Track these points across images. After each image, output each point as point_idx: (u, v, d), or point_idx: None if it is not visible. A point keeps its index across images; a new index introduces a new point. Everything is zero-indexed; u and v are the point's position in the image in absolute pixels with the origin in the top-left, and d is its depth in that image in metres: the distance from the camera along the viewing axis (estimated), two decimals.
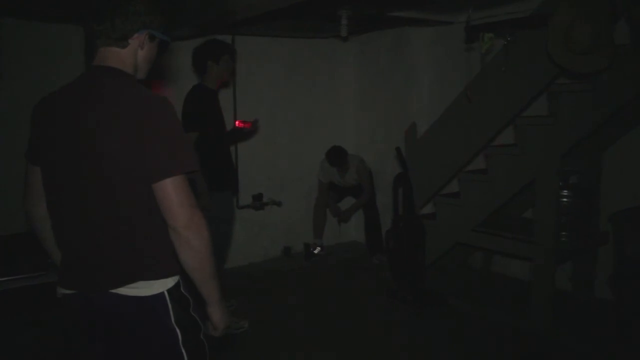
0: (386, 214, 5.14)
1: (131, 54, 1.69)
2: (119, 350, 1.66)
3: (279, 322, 4.06)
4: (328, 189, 5.52)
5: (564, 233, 3.90)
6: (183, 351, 1.65)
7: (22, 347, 3.03)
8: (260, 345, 3.70)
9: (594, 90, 3.46)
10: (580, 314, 3.97)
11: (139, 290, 1.59)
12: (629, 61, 3.32)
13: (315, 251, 5.53)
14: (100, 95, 1.57)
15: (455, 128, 4.27)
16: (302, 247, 5.63)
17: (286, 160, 5.67)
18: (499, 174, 4.00)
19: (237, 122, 3.96)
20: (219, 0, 3.25)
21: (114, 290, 1.59)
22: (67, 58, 4.21)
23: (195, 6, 3.45)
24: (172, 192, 1.53)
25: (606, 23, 3.08)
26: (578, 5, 3.07)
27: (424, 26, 4.99)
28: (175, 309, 1.63)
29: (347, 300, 4.49)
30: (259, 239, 5.50)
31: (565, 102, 3.63)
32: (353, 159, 5.33)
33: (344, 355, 3.58)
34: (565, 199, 3.90)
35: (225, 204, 3.81)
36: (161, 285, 1.62)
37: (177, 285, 1.66)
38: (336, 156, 5.25)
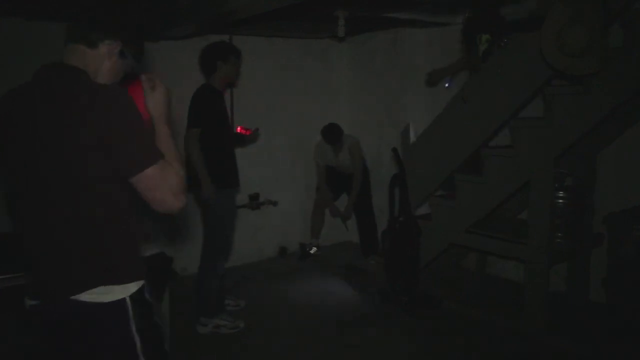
0: (382, 215, 5.14)
1: (96, 58, 1.66)
2: (78, 355, 1.62)
3: (274, 323, 4.07)
4: (326, 171, 5.49)
5: (558, 234, 3.91)
6: (140, 356, 1.61)
7: (17, 347, 3.03)
8: (256, 346, 3.71)
9: (588, 92, 3.48)
10: (574, 315, 3.99)
11: (99, 296, 1.55)
12: (623, 63, 3.33)
13: (311, 251, 5.53)
14: (59, 93, 1.53)
15: (450, 129, 4.28)
16: (298, 247, 5.63)
17: (282, 160, 5.67)
18: (494, 176, 4.01)
19: (238, 128, 4.02)
20: (219, 2, 3.25)
21: (74, 297, 1.54)
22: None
23: (193, 5, 3.45)
24: (155, 181, 1.53)
25: (600, 26, 3.10)
26: (572, 8, 3.08)
27: (420, 27, 5.00)
28: (136, 315, 1.59)
29: (342, 301, 4.49)
30: (254, 238, 5.50)
31: (560, 104, 3.64)
32: (347, 138, 5.31)
33: (338, 356, 3.59)
34: (559, 201, 3.91)
35: (228, 201, 3.85)
36: (123, 291, 1.57)
37: (140, 290, 1.62)
38: (330, 132, 5.25)
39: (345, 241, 6.04)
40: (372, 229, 5.39)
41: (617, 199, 3.96)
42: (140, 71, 1.77)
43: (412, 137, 4.70)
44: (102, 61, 1.67)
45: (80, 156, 1.48)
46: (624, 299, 3.66)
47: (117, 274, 1.58)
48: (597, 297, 4.07)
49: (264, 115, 5.40)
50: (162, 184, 1.54)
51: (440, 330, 3.90)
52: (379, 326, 4.03)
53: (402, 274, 4.33)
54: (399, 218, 4.37)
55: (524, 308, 3.79)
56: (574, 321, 3.89)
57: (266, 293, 4.65)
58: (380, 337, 3.85)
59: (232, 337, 3.79)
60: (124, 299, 1.57)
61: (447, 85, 4.65)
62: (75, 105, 1.48)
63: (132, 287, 1.60)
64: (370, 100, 5.71)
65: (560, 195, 3.92)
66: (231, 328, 3.84)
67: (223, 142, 3.80)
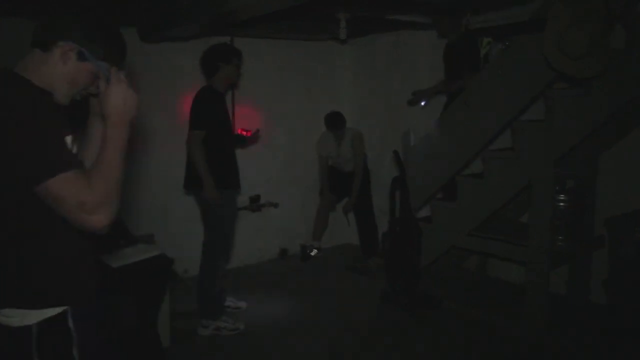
0: (382, 217, 5.14)
1: (50, 63, 1.49)
2: None
3: (275, 324, 4.06)
4: (327, 165, 5.49)
5: (559, 237, 3.90)
6: None
7: None
8: (257, 348, 3.71)
9: (589, 94, 3.48)
10: (575, 317, 3.98)
11: (7, 319, 1.42)
12: (624, 65, 3.33)
13: (312, 253, 5.53)
14: None
15: (452, 131, 4.28)
16: (299, 248, 5.63)
17: (283, 162, 5.67)
18: (495, 178, 4.01)
19: (238, 130, 4.04)
20: (219, 2, 3.26)
21: None
22: None
23: (193, 5, 3.46)
24: (57, 195, 1.33)
25: (601, 28, 3.10)
26: (574, 10, 3.09)
27: (421, 30, 5.00)
28: (42, 346, 1.43)
29: (342, 303, 4.49)
30: (255, 240, 5.49)
31: (561, 106, 3.64)
32: (350, 130, 5.33)
33: (339, 357, 3.59)
34: (561, 203, 3.91)
35: (229, 203, 3.85)
36: (34, 317, 1.42)
37: (58, 318, 1.46)
38: (333, 117, 5.27)
39: (345, 243, 6.03)
40: (373, 230, 5.39)
41: (618, 201, 3.96)
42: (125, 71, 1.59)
43: (413, 140, 4.70)
44: (55, 65, 1.49)
45: None
46: (624, 299, 3.65)
47: (29, 298, 1.44)
48: (598, 299, 4.06)
49: (265, 117, 5.41)
50: (66, 198, 1.33)
51: (440, 331, 3.90)
52: (380, 327, 4.03)
53: (402, 274, 4.33)
54: (399, 220, 4.36)
55: (525, 309, 3.79)
56: (574, 322, 3.89)
57: (267, 295, 4.65)
58: (380, 338, 3.85)
59: (233, 339, 3.79)
60: (30, 326, 1.42)
61: (422, 104, 4.78)
62: None
63: (49, 312, 1.44)
64: (372, 102, 5.71)
65: (561, 197, 3.91)
66: (232, 330, 3.84)
67: (224, 144, 3.80)
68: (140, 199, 4.56)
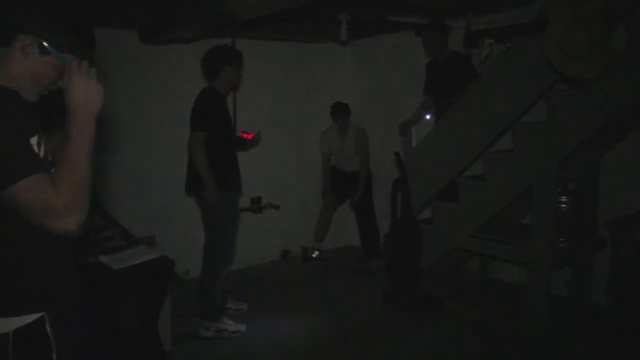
0: (383, 218, 5.13)
1: (10, 58, 1.41)
2: None
3: (276, 326, 4.06)
4: (330, 162, 5.50)
5: (561, 239, 3.90)
6: None
7: None
8: (257, 348, 3.70)
9: (591, 96, 3.47)
10: (576, 319, 3.97)
11: None
12: (626, 66, 3.33)
13: (314, 255, 5.52)
14: None
15: (453, 133, 4.27)
16: (300, 250, 5.62)
17: (284, 163, 5.67)
18: (496, 180, 4.00)
19: (239, 132, 4.03)
20: (219, 2, 3.26)
21: None
22: None
23: (195, 8, 3.46)
24: (23, 197, 1.28)
25: (603, 29, 3.09)
26: (575, 12, 3.08)
27: (422, 36, 4.99)
28: (20, 354, 1.38)
29: (343, 304, 4.48)
30: (256, 242, 5.49)
31: (563, 108, 3.63)
32: (354, 125, 5.35)
33: (339, 358, 3.58)
34: (562, 205, 3.90)
35: (231, 204, 3.86)
36: (10, 324, 1.37)
37: (34, 324, 1.40)
38: (339, 106, 5.30)
39: (347, 245, 6.03)
40: (374, 231, 5.38)
41: (620, 203, 3.95)
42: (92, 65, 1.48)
43: (414, 141, 4.69)
44: (16, 60, 1.41)
45: None
46: (626, 303, 3.64)
47: (3, 305, 1.38)
48: (599, 300, 4.05)
49: (266, 119, 5.41)
50: (30, 203, 1.29)
51: (441, 333, 3.89)
52: (381, 328, 4.02)
53: (403, 275, 4.32)
54: (401, 221, 4.36)
55: (527, 311, 3.78)
56: (575, 324, 3.88)
57: (268, 297, 4.64)
58: (381, 338, 3.84)
59: (233, 341, 3.78)
60: (7, 334, 1.36)
61: (428, 117, 4.87)
62: None
63: (23, 320, 1.39)
64: (373, 104, 5.70)
65: (563, 199, 3.91)
66: (233, 332, 3.84)
67: (225, 146, 3.80)
68: (141, 200, 4.57)
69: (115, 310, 2.88)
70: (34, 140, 1.35)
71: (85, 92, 1.40)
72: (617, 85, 3.37)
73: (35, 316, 1.40)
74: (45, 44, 1.41)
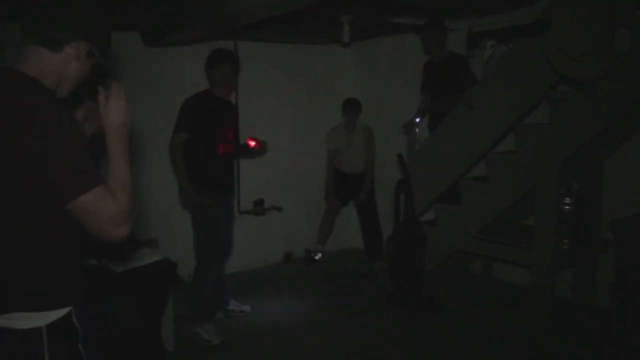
0: (387, 221, 5.12)
1: (61, 62, 1.49)
2: None
3: (278, 327, 4.05)
4: (335, 158, 5.49)
5: (564, 241, 3.89)
6: None
7: None
8: (259, 350, 3.70)
9: (594, 97, 3.46)
10: (580, 321, 3.95)
11: (13, 322, 1.43)
12: (629, 67, 3.32)
13: (316, 257, 5.52)
14: (10, 109, 1.36)
15: (456, 135, 4.27)
16: (303, 252, 5.62)
17: (287, 166, 5.67)
18: (499, 181, 4.00)
19: (247, 140, 3.96)
20: (220, 5, 3.26)
21: None
22: None
23: (197, 11, 3.46)
24: (89, 209, 1.37)
25: (605, 30, 3.09)
26: (577, 13, 3.08)
27: (421, 35, 4.99)
28: (52, 345, 1.46)
29: (346, 307, 4.47)
30: (259, 244, 5.49)
31: (566, 109, 3.63)
32: (361, 124, 5.39)
33: (342, 359, 3.58)
34: (566, 207, 3.89)
35: (215, 210, 3.77)
36: (41, 319, 1.45)
37: (63, 318, 1.49)
38: (351, 101, 5.35)
39: (350, 247, 6.02)
40: (377, 233, 5.38)
41: (624, 204, 3.93)
42: (108, 72, 1.63)
43: (417, 143, 4.69)
44: (67, 64, 1.50)
45: (5, 176, 1.37)
46: (630, 305, 3.63)
47: (36, 302, 1.46)
48: (603, 302, 4.04)
49: (269, 121, 5.41)
50: (98, 212, 1.38)
51: (445, 335, 3.88)
52: (383, 330, 4.01)
53: (406, 277, 4.31)
54: (404, 224, 4.35)
55: (530, 313, 3.77)
56: (578, 326, 3.86)
57: (271, 298, 4.64)
58: (384, 341, 3.84)
59: (236, 342, 3.78)
60: (40, 328, 1.45)
61: (417, 120, 4.86)
62: (7, 122, 1.34)
63: (52, 315, 1.47)
64: (376, 106, 5.69)
65: (566, 200, 3.90)
66: (206, 341, 3.73)
67: (212, 149, 3.73)
68: (144, 202, 4.57)
69: (118, 312, 2.89)
70: (83, 140, 1.46)
71: (123, 115, 1.52)
72: (619, 86, 3.37)
73: (65, 310, 1.49)
74: (94, 50, 1.53)
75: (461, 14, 4.38)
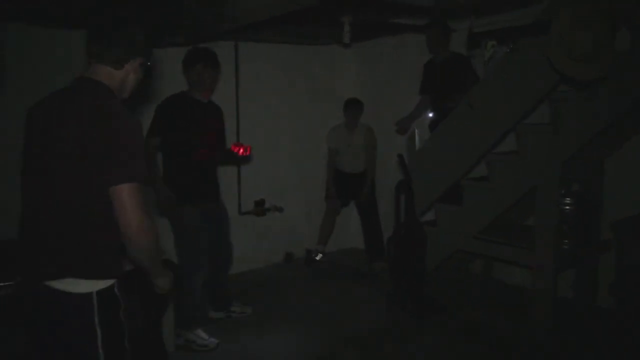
0: (387, 221, 5.13)
1: (122, 76, 1.84)
2: (45, 338, 1.79)
3: (279, 328, 4.06)
4: (336, 157, 5.49)
5: (565, 241, 3.88)
6: (101, 352, 1.73)
7: (7, 355, 3.02)
8: (259, 351, 3.70)
9: (594, 97, 3.46)
10: (580, 321, 3.95)
11: (68, 286, 1.70)
12: (629, 68, 3.31)
13: (317, 257, 5.52)
14: (90, 106, 1.71)
15: (457, 135, 4.27)
16: (304, 253, 5.62)
17: (288, 166, 5.67)
18: (500, 182, 3.99)
19: (232, 146, 3.78)
20: (220, 5, 3.26)
21: (47, 283, 1.71)
22: (70, 64, 4.22)
23: (197, 11, 3.46)
24: (126, 198, 1.66)
25: (606, 30, 3.08)
26: (578, 13, 3.07)
27: (424, 34, 4.99)
28: (101, 309, 1.72)
29: (347, 307, 4.48)
30: (260, 244, 5.49)
31: (566, 109, 3.63)
32: (362, 124, 5.42)
33: None
34: (566, 207, 3.89)
35: (189, 218, 3.64)
36: (90, 286, 1.71)
37: (110, 287, 1.75)
38: (353, 101, 5.38)
39: (351, 247, 6.02)
40: (378, 233, 5.38)
41: (625, 204, 3.93)
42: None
43: (418, 143, 4.69)
44: (127, 76, 1.86)
45: (81, 161, 1.66)
46: (631, 305, 3.63)
47: (88, 270, 1.72)
48: (604, 303, 4.03)
49: (270, 121, 5.42)
50: (132, 202, 1.66)
51: (445, 335, 3.87)
52: (384, 330, 4.01)
53: (407, 278, 4.31)
54: (404, 224, 4.35)
55: (531, 313, 3.76)
56: (580, 327, 3.86)
57: (272, 299, 4.64)
58: (384, 340, 3.83)
59: (236, 344, 3.78)
60: (91, 293, 1.71)
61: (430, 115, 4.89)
62: (82, 118, 1.68)
63: (101, 284, 1.73)
64: (376, 106, 5.69)
65: (567, 201, 3.89)
66: (200, 345, 3.67)
67: (185, 155, 3.62)
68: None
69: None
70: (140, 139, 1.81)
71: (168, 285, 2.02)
72: (620, 87, 3.36)
73: (111, 281, 1.76)
74: (148, 64, 1.92)
75: (462, 14, 4.38)
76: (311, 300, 4.63)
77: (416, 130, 4.78)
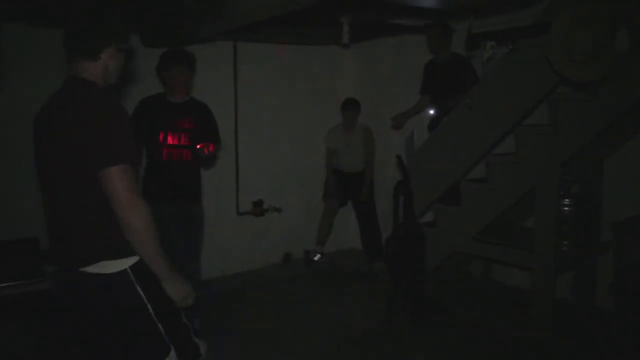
0: (386, 222, 5.12)
1: (101, 66, 1.90)
2: (90, 323, 1.91)
3: (278, 328, 4.05)
4: (334, 157, 5.50)
5: (564, 242, 3.88)
6: (155, 319, 1.86)
7: (16, 355, 3.02)
8: (259, 352, 3.70)
9: (594, 98, 3.46)
10: (581, 323, 3.95)
11: (103, 268, 1.81)
12: (629, 69, 3.32)
13: (315, 258, 5.52)
14: (74, 102, 1.81)
15: (456, 136, 4.27)
16: (303, 253, 5.62)
17: (286, 166, 5.66)
18: (499, 183, 3.99)
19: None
20: (220, 5, 3.26)
21: (82, 269, 1.81)
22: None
23: (197, 11, 3.46)
24: (115, 180, 1.72)
25: (606, 31, 3.08)
26: (578, 14, 3.07)
27: (425, 33, 4.99)
28: (139, 280, 1.84)
29: (346, 308, 4.47)
30: (259, 245, 5.49)
31: (565, 110, 3.63)
32: (360, 124, 5.43)
33: None
34: (566, 208, 3.89)
35: (159, 217, 3.58)
36: (122, 264, 1.83)
37: (138, 262, 1.85)
38: (350, 101, 5.41)
39: (349, 248, 6.02)
40: (376, 233, 5.38)
41: (625, 205, 3.93)
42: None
43: (417, 144, 4.69)
44: (107, 65, 1.91)
45: (77, 153, 1.75)
46: (631, 306, 3.63)
47: (117, 251, 1.82)
48: (604, 304, 4.04)
49: (269, 121, 5.41)
50: (121, 184, 1.73)
51: (444, 337, 3.87)
52: (383, 331, 4.01)
53: (406, 279, 4.31)
54: (403, 225, 4.35)
55: (530, 314, 3.76)
56: (580, 328, 3.86)
57: (271, 300, 4.64)
58: (384, 341, 3.83)
59: (237, 343, 3.78)
60: (125, 269, 1.83)
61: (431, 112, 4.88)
62: (75, 111, 1.77)
63: (130, 260, 1.84)
64: (375, 107, 5.69)
65: (566, 202, 3.89)
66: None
67: (153, 155, 3.62)
68: None
69: None
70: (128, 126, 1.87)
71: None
72: (620, 87, 3.37)
73: (135, 258, 1.85)
74: (121, 46, 1.93)
75: (461, 14, 4.38)
76: (310, 300, 4.63)
77: (414, 131, 4.78)
